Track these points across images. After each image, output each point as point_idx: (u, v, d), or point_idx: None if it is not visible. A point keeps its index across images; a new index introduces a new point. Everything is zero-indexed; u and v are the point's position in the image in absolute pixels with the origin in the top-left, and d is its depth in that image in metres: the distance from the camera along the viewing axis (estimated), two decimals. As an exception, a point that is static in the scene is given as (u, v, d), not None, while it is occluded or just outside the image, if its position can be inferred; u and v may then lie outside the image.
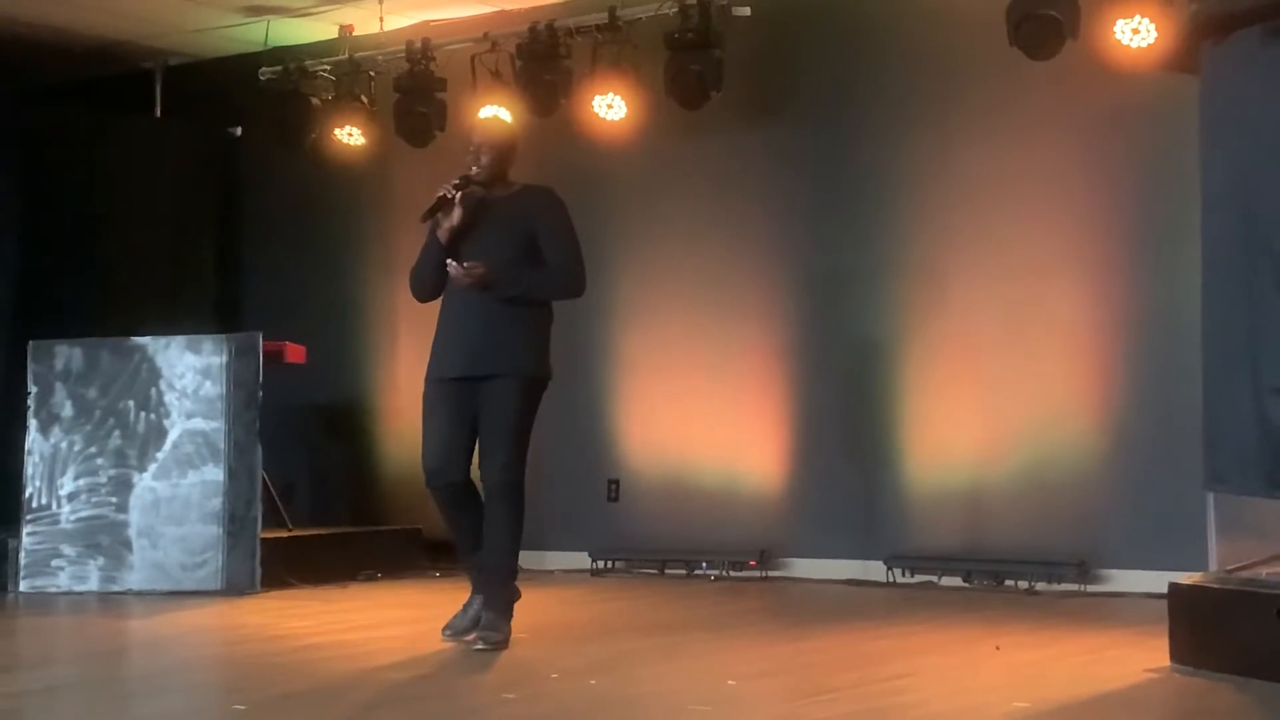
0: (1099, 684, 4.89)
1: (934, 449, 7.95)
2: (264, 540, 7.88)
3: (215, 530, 7.83)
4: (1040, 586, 7.48)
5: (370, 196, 9.67)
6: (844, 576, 8.00)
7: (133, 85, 10.25)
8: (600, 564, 8.67)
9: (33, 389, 8.06)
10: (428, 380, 5.81)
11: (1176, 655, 5.10)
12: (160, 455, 7.94)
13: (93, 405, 8.02)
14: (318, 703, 4.77)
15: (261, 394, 7.91)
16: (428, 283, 5.84)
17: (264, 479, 8.00)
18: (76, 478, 7.99)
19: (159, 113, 10.29)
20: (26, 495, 8.00)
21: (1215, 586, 5.17)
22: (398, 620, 6.83)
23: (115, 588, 7.85)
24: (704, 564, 8.38)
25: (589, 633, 6.34)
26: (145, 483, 7.93)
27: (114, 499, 7.94)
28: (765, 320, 8.47)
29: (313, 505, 9.57)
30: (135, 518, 7.91)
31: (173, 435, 7.95)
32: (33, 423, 8.04)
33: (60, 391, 8.04)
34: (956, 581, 7.72)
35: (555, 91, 8.48)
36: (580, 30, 8.47)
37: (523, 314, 5.74)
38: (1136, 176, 7.51)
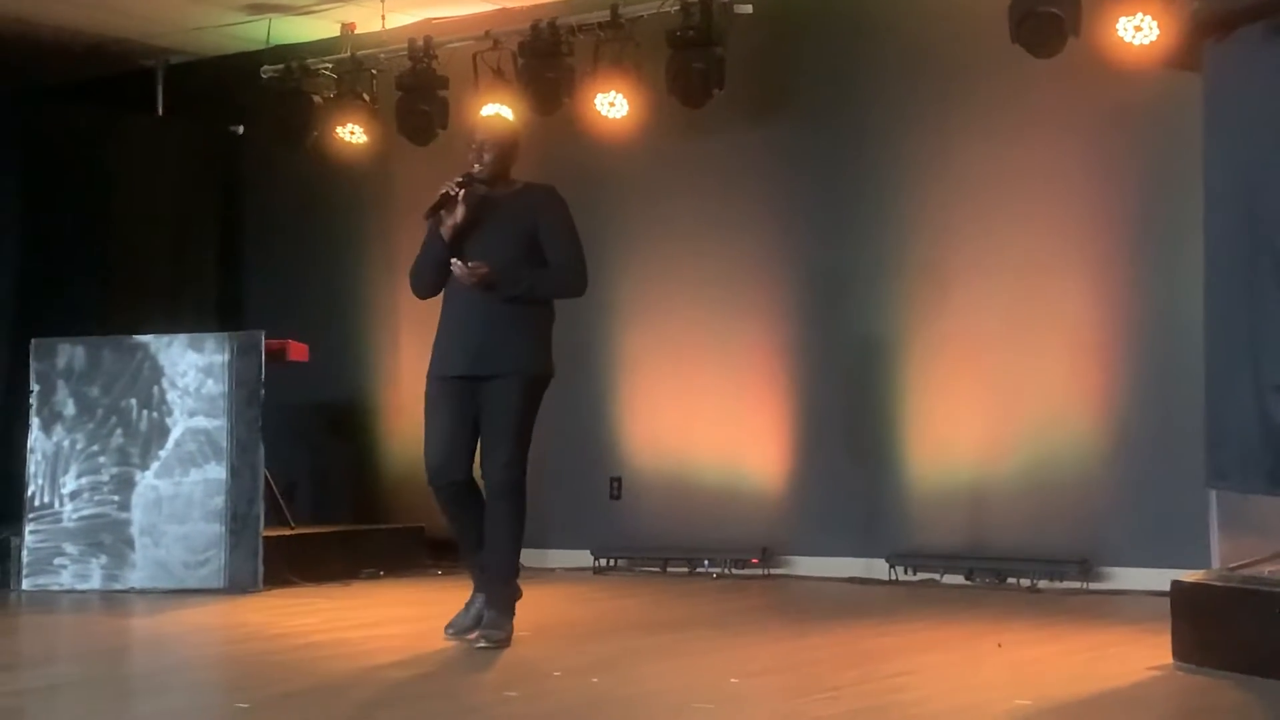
0: (1101, 682, 4.89)
1: (936, 447, 7.95)
2: (266, 538, 7.88)
3: (217, 528, 7.84)
4: (1042, 584, 7.48)
5: (372, 194, 9.67)
6: (846, 574, 8.00)
7: (134, 83, 10.24)
8: (602, 562, 8.67)
9: (35, 387, 8.06)
10: (429, 378, 5.81)
11: (1179, 653, 5.10)
12: (163, 453, 7.94)
13: (95, 404, 8.02)
14: (319, 701, 4.78)
15: (264, 392, 7.92)
16: (428, 280, 5.84)
17: (266, 477, 8.00)
18: (79, 476, 7.99)
19: (160, 111, 10.29)
20: (29, 493, 8.01)
21: (1217, 584, 5.17)
22: (400, 618, 6.83)
23: (118, 586, 7.85)
24: (706, 562, 8.38)
25: (591, 631, 6.34)
26: (148, 481, 7.94)
27: (116, 497, 7.95)
28: (767, 318, 8.46)
29: (315, 503, 9.57)
30: (138, 516, 7.92)
31: (175, 433, 7.95)
32: (35, 421, 8.04)
33: (63, 390, 8.05)
34: (959, 579, 7.72)
35: (557, 89, 8.48)
36: (582, 28, 8.47)
37: (524, 313, 5.75)
38: (1138, 175, 7.50)
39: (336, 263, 9.83)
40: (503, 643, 5.63)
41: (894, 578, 7.87)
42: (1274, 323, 4.94)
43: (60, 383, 8.05)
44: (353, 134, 9.24)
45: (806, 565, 8.21)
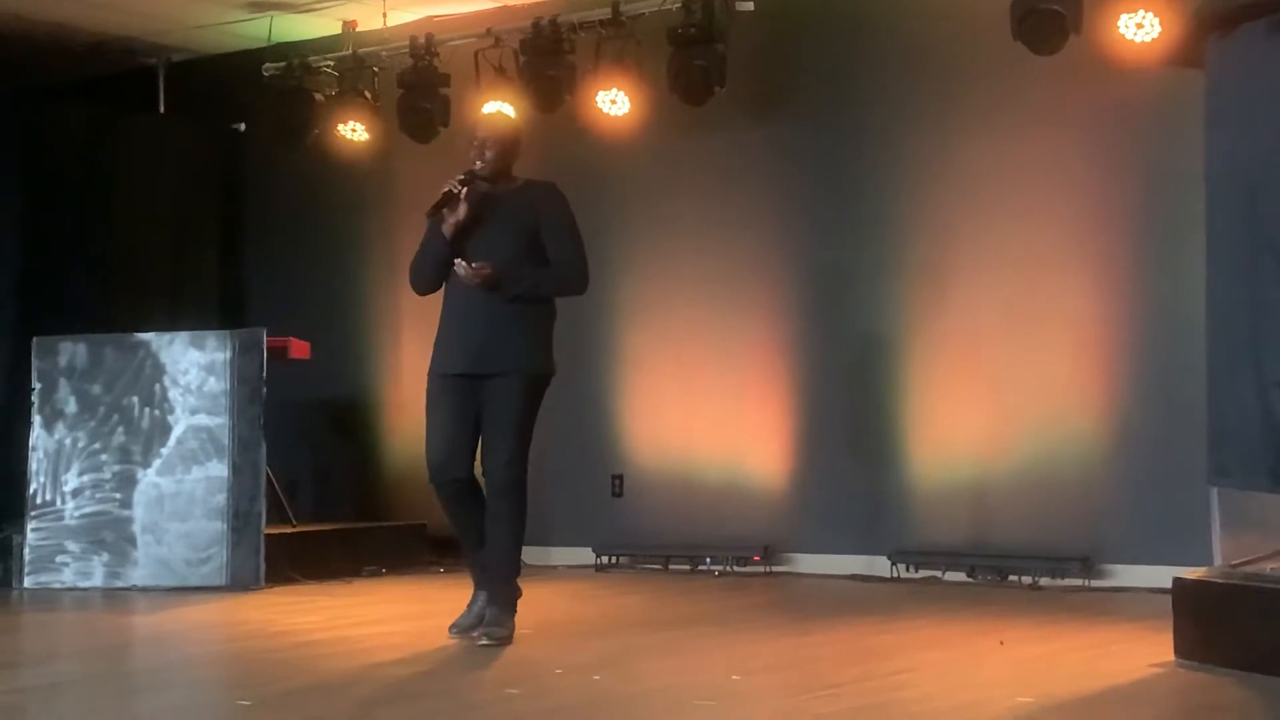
0: (1103, 679, 4.89)
1: (938, 444, 7.94)
2: (268, 536, 7.89)
3: (219, 526, 7.84)
4: (1044, 582, 7.48)
5: (374, 192, 9.67)
6: (848, 572, 8.00)
7: (135, 82, 10.24)
8: (604, 560, 8.67)
9: (37, 385, 8.06)
10: (431, 375, 5.81)
11: (1181, 650, 5.09)
12: (164, 451, 7.95)
13: (97, 401, 8.03)
14: (321, 698, 4.78)
15: (265, 390, 7.92)
16: (428, 277, 5.85)
17: (268, 474, 8.00)
18: (81, 474, 8.00)
19: (162, 109, 10.29)
20: (31, 491, 8.01)
21: (1219, 581, 5.16)
22: (401, 616, 6.83)
23: (120, 584, 7.86)
24: (708, 559, 8.38)
25: (593, 628, 6.34)
26: (149, 478, 7.94)
27: (118, 495, 7.95)
28: (769, 316, 8.46)
29: (317, 501, 9.57)
30: (139, 514, 7.92)
31: (177, 431, 7.95)
32: (37, 419, 8.05)
33: (64, 388, 8.05)
34: (960, 577, 7.72)
35: (559, 87, 8.48)
36: (583, 25, 8.47)
37: (526, 311, 5.75)
38: (1140, 172, 7.49)
39: (338, 260, 9.83)
40: (504, 640, 5.63)
41: (896, 575, 7.88)
42: (1276, 320, 4.94)
43: (62, 380, 8.06)
44: (354, 132, 9.24)
45: (808, 563, 8.21)
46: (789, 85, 8.51)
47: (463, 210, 5.72)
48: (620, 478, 8.84)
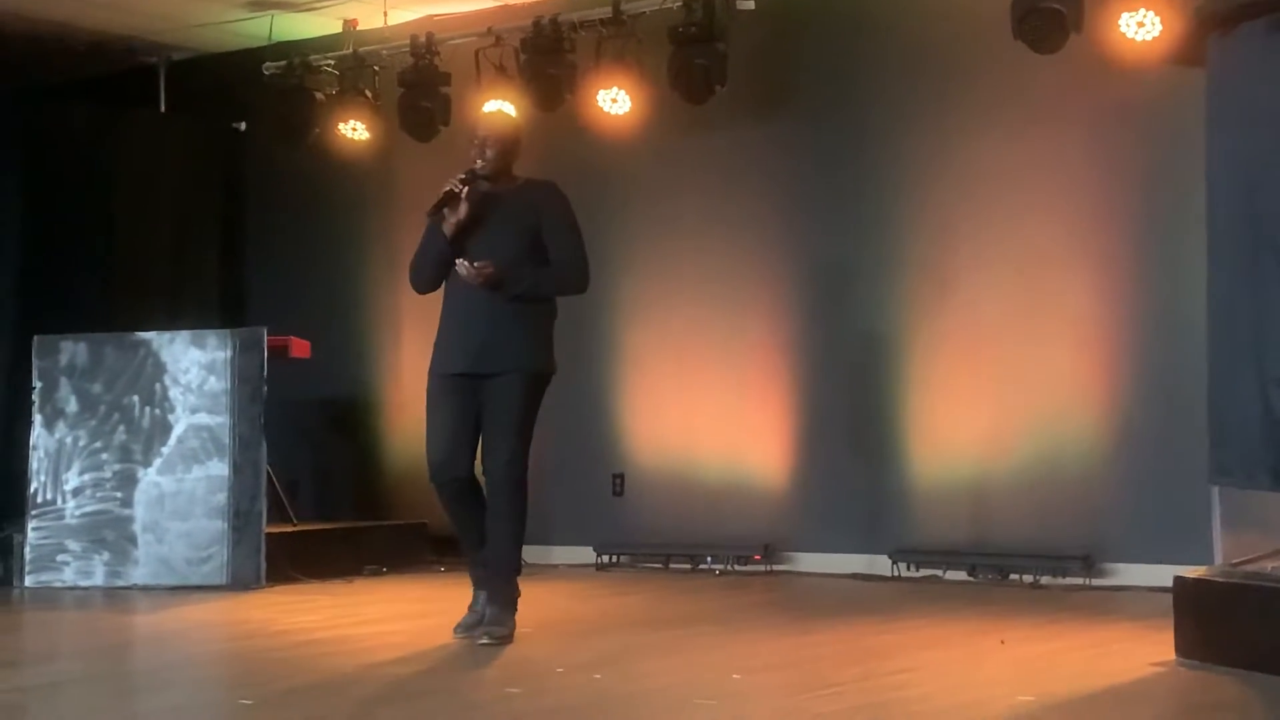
0: (1104, 678, 4.88)
1: (939, 443, 7.94)
2: (269, 535, 7.89)
3: (220, 525, 7.84)
4: (1045, 580, 7.48)
5: (374, 191, 9.67)
6: (849, 571, 7.99)
7: (136, 81, 10.24)
8: (605, 559, 8.67)
9: (37, 384, 8.06)
10: (431, 374, 5.81)
11: (1181, 649, 5.09)
12: (165, 450, 7.95)
13: (97, 400, 8.03)
14: (322, 697, 4.78)
15: (266, 389, 7.92)
16: (428, 275, 5.85)
17: (269, 474, 8.01)
18: (81, 473, 8.00)
19: (163, 108, 10.28)
20: (31, 490, 8.01)
21: (1220, 580, 5.16)
22: (402, 615, 6.83)
23: (120, 583, 7.86)
24: (709, 558, 8.38)
25: (594, 627, 6.34)
26: (150, 478, 7.94)
27: (119, 494, 7.95)
28: (769, 314, 8.46)
29: (317, 500, 9.57)
30: (140, 513, 7.92)
31: (177, 430, 7.95)
32: (37, 418, 8.05)
33: (65, 387, 8.05)
34: (961, 575, 7.72)
35: (559, 86, 8.48)
36: (584, 24, 8.47)
37: (527, 310, 5.74)
38: (1141, 170, 7.49)
39: (339, 259, 9.83)
40: (505, 639, 5.63)
41: (897, 574, 7.87)
42: (1277, 318, 4.94)
43: (63, 379, 8.06)
44: (355, 130, 9.24)
45: (809, 561, 8.20)
46: (790, 84, 8.51)
47: (463, 210, 5.72)
48: (621, 477, 8.84)
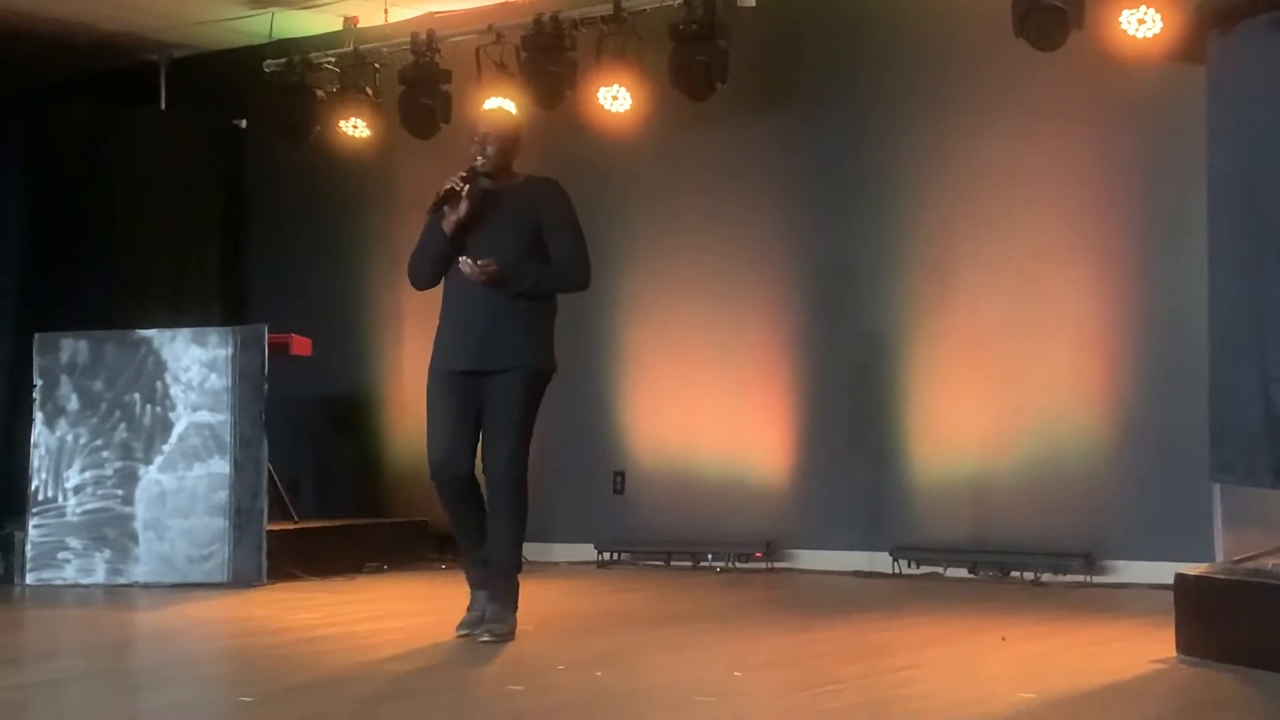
0: (1105, 675, 4.88)
1: (940, 441, 7.94)
2: (270, 532, 7.89)
3: (221, 523, 7.84)
4: (1046, 578, 7.48)
5: (375, 188, 9.67)
6: (850, 568, 7.99)
7: (137, 78, 10.24)
8: (606, 556, 8.67)
9: (38, 382, 8.07)
10: (431, 372, 5.81)
11: (1182, 646, 5.09)
12: (166, 448, 7.95)
13: (98, 398, 8.03)
14: (323, 695, 4.78)
15: (267, 386, 7.92)
16: (428, 271, 5.85)
17: (270, 471, 8.00)
18: (82, 470, 8.00)
19: (163, 105, 10.29)
20: (32, 488, 8.01)
21: (1221, 577, 5.16)
22: (403, 612, 6.84)
23: (121, 580, 7.86)
24: (710, 556, 8.38)
25: (595, 625, 6.34)
26: (151, 475, 7.94)
27: (120, 492, 7.95)
28: (770, 312, 8.46)
29: (318, 497, 9.57)
30: (141, 510, 7.92)
31: (179, 428, 7.95)
32: (38, 416, 8.05)
33: (66, 384, 8.05)
34: (962, 573, 7.72)
35: (560, 83, 8.48)
36: (585, 22, 8.47)
37: (527, 308, 5.74)
38: (1142, 167, 7.49)
39: (339, 257, 9.83)
40: (506, 637, 5.63)
41: (897, 571, 7.87)
42: (1278, 316, 4.94)
43: (64, 377, 8.05)
44: (355, 128, 9.25)
45: (810, 559, 8.21)
46: (791, 81, 8.50)
47: (464, 207, 5.71)
48: (622, 474, 8.84)
